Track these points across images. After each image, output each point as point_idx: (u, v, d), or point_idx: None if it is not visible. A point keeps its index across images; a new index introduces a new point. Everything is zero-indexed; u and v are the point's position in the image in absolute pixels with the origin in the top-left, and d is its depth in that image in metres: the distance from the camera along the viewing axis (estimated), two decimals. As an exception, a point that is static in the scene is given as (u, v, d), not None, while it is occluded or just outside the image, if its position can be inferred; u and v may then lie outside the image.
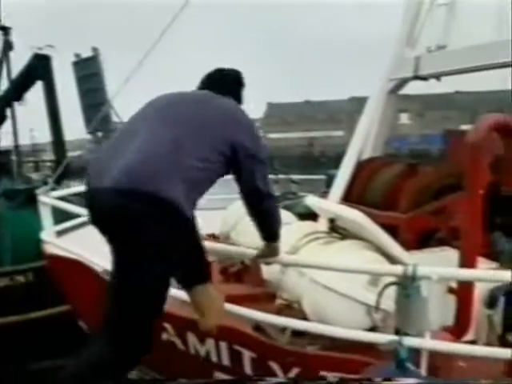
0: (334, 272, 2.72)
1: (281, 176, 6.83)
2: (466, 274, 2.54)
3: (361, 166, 5.28)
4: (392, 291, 2.81)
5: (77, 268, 3.48)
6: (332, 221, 3.35)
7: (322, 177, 6.78)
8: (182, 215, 2.03)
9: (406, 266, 2.13)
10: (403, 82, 5.85)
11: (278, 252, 2.64)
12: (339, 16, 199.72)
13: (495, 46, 5.38)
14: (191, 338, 2.80)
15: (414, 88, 6.09)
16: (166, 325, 2.85)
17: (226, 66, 2.73)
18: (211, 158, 2.18)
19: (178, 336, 2.88)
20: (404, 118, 50.01)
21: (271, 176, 6.74)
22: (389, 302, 2.75)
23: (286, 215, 4.75)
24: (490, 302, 2.94)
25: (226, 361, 2.73)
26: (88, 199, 2.20)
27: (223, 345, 2.68)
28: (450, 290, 2.86)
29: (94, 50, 33.65)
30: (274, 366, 2.53)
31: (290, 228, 3.67)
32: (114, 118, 42.24)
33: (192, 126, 2.21)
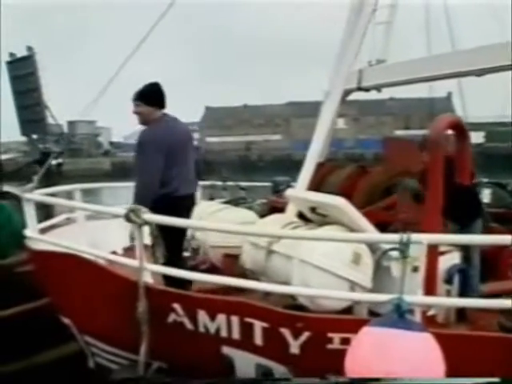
0: (323, 252, 3.13)
1: (229, 183, 7.26)
2: (449, 238, 3.05)
3: (314, 170, 5.80)
4: (369, 270, 3.37)
5: (75, 263, 3.53)
6: (313, 209, 3.71)
7: (268, 184, 7.27)
8: None
9: (401, 234, 2.54)
10: (348, 93, 6.48)
11: None
12: (277, 17, 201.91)
13: (426, 61, 6.14)
14: (201, 316, 3.00)
15: (350, 94, 6.70)
16: (175, 305, 3.05)
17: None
18: None
19: (187, 316, 3.05)
20: (340, 123, 51.93)
21: (220, 183, 7.28)
22: (366, 279, 3.28)
23: (250, 215, 5.21)
24: (448, 279, 3.51)
25: (236, 334, 2.96)
26: None
27: (234, 319, 2.92)
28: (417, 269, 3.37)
29: (29, 49, 32.13)
30: (286, 332, 2.81)
31: (268, 220, 4.08)
32: (50, 120, 40.23)
33: None
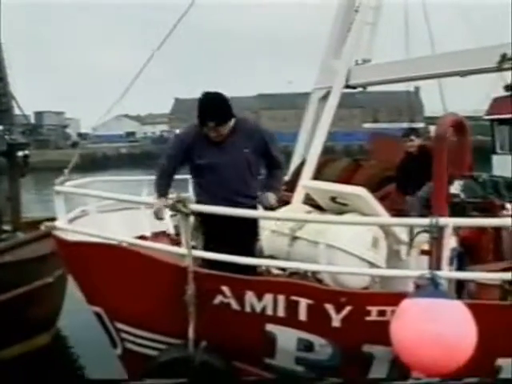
0: (349, 237, 3.49)
1: None
2: (470, 221, 3.57)
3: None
4: (384, 253, 3.73)
5: (112, 252, 3.64)
6: (333, 199, 4.01)
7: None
8: None
9: (430, 218, 3.00)
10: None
11: None
12: (251, 13, 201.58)
13: (414, 61, 6.57)
14: (249, 297, 3.27)
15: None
16: (224, 288, 3.28)
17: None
18: None
19: (234, 297, 3.27)
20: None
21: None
22: (382, 260, 3.63)
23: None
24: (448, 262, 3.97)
25: (281, 312, 3.22)
26: None
27: (281, 298, 3.20)
28: (423, 252, 3.72)
29: (-5, 38, 31.05)
30: (329, 307, 3.12)
31: (286, 210, 4.37)
32: (17, 111, 38.98)
33: None
